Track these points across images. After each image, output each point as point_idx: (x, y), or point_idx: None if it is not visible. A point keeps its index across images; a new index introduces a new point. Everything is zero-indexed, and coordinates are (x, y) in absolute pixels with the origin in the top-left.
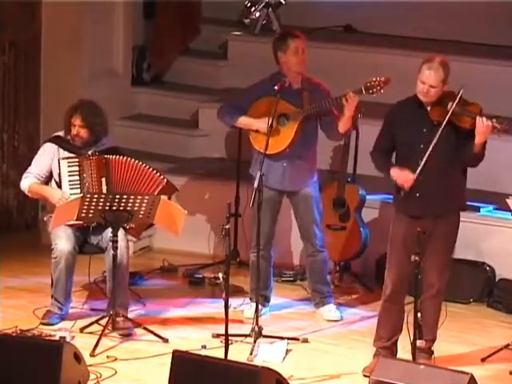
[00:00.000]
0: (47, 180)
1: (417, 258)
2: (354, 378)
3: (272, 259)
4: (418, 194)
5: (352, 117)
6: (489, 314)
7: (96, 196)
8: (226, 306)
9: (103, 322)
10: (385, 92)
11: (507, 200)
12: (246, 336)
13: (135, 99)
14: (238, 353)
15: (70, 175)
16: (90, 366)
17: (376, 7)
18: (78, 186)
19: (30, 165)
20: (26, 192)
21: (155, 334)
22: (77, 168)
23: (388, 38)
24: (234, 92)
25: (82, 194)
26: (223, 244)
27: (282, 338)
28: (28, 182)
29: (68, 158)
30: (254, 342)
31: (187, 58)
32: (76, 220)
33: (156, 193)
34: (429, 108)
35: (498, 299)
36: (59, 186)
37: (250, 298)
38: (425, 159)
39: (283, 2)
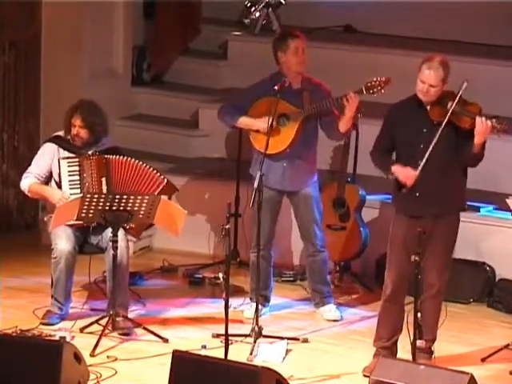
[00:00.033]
0: (47, 180)
1: (417, 258)
2: (353, 378)
3: (272, 259)
4: (417, 194)
5: (353, 117)
6: (489, 314)
7: (96, 196)
8: (226, 306)
9: (103, 322)
10: (385, 92)
11: (507, 200)
12: (246, 336)
13: (135, 99)
14: (238, 353)
15: (70, 175)
16: (90, 366)
17: (376, 7)
18: (78, 185)
19: (29, 165)
20: (26, 192)
21: (155, 334)
22: (77, 168)
23: (388, 38)
24: (234, 92)
25: (82, 194)
26: (223, 244)
27: (281, 338)
28: (28, 181)
29: (68, 157)
30: (254, 342)
31: (187, 58)
32: (76, 220)
33: (156, 193)
34: (428, 107)
35: (498, 299)
36: (59, 185)
37: (250, 298)
38: (426, 158)
39: (283, 2)
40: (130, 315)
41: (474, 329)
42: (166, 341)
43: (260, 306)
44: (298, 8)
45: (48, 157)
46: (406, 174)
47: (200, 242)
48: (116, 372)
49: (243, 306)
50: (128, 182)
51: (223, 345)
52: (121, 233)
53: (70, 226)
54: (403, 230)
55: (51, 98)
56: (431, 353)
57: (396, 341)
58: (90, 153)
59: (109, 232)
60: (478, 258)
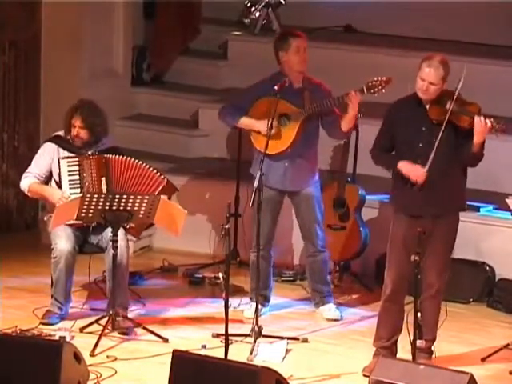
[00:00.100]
0: (47, 180)
1: (417, 258)
2: (353, 378)
3: (272, 259)
4: (417, 191)
5: (355, 115)
6: (489, 314)
7: (96, 196)
8: (226, 306)
9: (103, 321)
10: (385, 92)
11: (507, 200)
12: (245, 336)
13: (135, 99)
14: (238, 353)
15: (69, 175)
16: (89, 365)
17: (376, 7)
18: (78, 185)
19: (29, 165)
20: (26, 192)
21: (155, 334)
22: (77, 168)
23: (388, 38)
24: (234, 92)
25: (81, 194)
26: (223, 244)
27: (281, 338)
28: (28, 181)
29: (68, 157)
30: (254, 341)
31: (187, 58)
32: (76, 220)
33: (156, 193)
34: (428, 107)
35: (497, 299)
36: (59, 185)
37: (250, 298)
38: (432, 155)
39: (283, 2)
40: (130, 315)
41: (473, 329)
42: (165, 341)
43: (260, 306)
44: (297, 8)
45: (48, 156)
46: (416, 173)
47: (200, 242)
48: (116, 372)
49: (242, 306)
50: (128, 181)
51: (223, 345)
52: (121, 232)
53: (70, 225)
54: (403, 230)
55: (51, 98)
56: (431, 353)
57: (396, 341)
58: (89, 152)
59: (109, 232)
60: (477, 257)
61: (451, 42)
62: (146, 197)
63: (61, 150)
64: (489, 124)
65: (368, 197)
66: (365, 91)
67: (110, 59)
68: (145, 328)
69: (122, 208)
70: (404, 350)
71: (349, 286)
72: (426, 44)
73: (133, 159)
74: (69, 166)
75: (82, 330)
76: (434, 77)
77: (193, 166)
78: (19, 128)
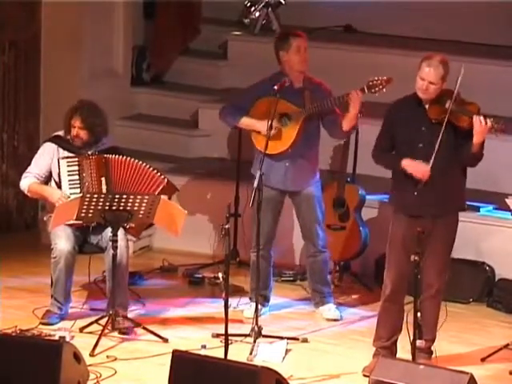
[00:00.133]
0: (47, 180)
1: (416, 258)
2: (353, 378)
3: (272, 259)
4: (415, 193)
5: (357, 114)
6: (489, 314)
7: (96, 196)
8: (226, 306)
9: (103, 321)
10: (385, 92)
11: (506, 200)
12: (245, 336)
13: (135, 99)
14: (238, 353)
15: (69, 175)
16: (89, 365)
17: (376, 7)
18: (78, 185)
19: (29, 164)
20: (26, 192)
21: (155, 334)
22: (76, 167)
23: (388, 38)
24: (234, 92)
25: (81, 194)
26: (223, 244)
27: (281, 338)
28: (27, 181)
29: (67, 157)
30: (254, 341)
31: (187, 58)
32: (76, 220)
33: (157, 193)
34: (427, 106)
35: (497, 299)
36: (59, 185)
37: (250, 298)
38: (434, 153)
39: (283, 2)
40: (130, 315)
41: (473, 329)
42: (165, 341)
43: (260, 306)
44: (297, 8)
45: (48, 156)
46: (421, 171)
47: (200, 242)
48: (116, 372)
49: (241, 306)
50: (128, 181)
51: (223, 344)
52: (120, 232)
53: (70, 225)
54: (402, 230)
55: (51, 98)
56: (431, 353)
57: (395, 341)
58: (89, 152)
59: (108, 232)
60: (477, 257)
61: (451, 42)
62: (146, 197)
63: (60, 150)
64: (489, 124)
65: (368, 197)
66: (366, 90)
67: (110, 59)
68: (145, 328)
69: (121, 208)
70: (404, 349)
71: (349, 286)
72: (426, 44)
73: (133, 159)
74: (68, 165)
75: (81, 330)
76: (434, 76)
77: (193, 166)
78: (19, 128)
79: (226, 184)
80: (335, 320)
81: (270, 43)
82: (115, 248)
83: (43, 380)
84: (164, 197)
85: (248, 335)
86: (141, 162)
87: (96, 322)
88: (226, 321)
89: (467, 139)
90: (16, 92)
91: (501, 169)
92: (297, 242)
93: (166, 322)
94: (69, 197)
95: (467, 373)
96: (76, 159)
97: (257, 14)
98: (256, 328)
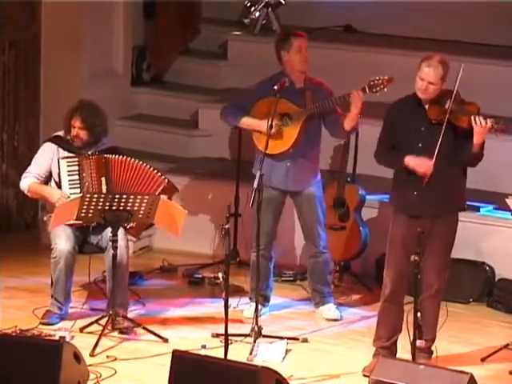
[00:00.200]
0: (47, 180)
1: (416, 258)
2: (353, 378)
3: (273, 259)
4: (415, 193)
5: (358, 114)
6: (489, 314)
7: (96, 196)
8: (226, 306)
9: (103, 321)
10: (384, 92)
11: (507, 200)
12: (245, 336)
13: (135, 99)
14: (238, 353)
15: (69, 175)
16: (89, 365)
17: (376, 7)
18: (78, 185)
19: (29, 165)
20: (26, 192)
21: (155, 334)
22: (76, 167)
23: (388, 38)
24: (234, 92)
25: (81, 194)
26: (223, 244)
27: (281, 338)
28: (27, 181)
29: (67, 157)
30: (254, 341)
31: (187, 58)
32: (76, 220)
33: (157, 193)
34: (427, 107)
35: (497, 299)
36: (59, 185)
37: (250, 298)
38: (437, 149)
39: (283, 2)
40: (130, 315)
41: (473, 329)
42: (165, 341)
43: (260, 306)
44: (297, 8)
45: (48, 157)
46: (424, 166)
47: (200, 242)
48: (116, 372)
49: (240, 306)
50: (128, 181)
51: (223, 345)
52: (121, 232)
53: (70, 225)
54: (402, 230)
55: (51, 98)
56: (431, 353)
57: (395, 341)
58: (89, 152)
59: (108, 232)
60: (477, 257)
61: (451, 42)
62: (146, 197)
63: (60, 150)
64: (488, 124)
65: (368, 197)
66: (367, 90)
67: (110, 59)
68: (145, 328)
69: (121, 208)
70: (404, 349)
71: (349, 286)
72: (426, 44)
73: (133, 159)
74: (68, 165)
75: (81, 329)
76: (434, 76)
77: (193, 166)
78: (19, 128)
79: (226, 184)
80: (335, 320)
81: (270, 43)
82: (115, 248)
83: (43, 380)
84: (164, 197)
85: (248, 335)
86: (141, 162)
87: (96, 322)
88: (226, 321)
89: (467, 139)
90: (16, 92)
91: (501, 169)
92: (297, 242)
93: (166, 321)
94: (69, 197)
95: (467, 373)
96: (76, 159)
97: (257, 14)
98: (256, 328)
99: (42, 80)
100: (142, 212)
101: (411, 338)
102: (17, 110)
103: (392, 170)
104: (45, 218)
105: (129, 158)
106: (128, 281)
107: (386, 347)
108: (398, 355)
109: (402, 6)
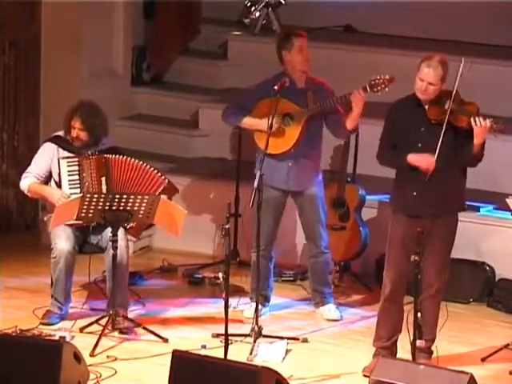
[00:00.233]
0: (47, 180)
1: (416, 258)
2: (353, 378)
3: (273, 259)
4: (415, 193)
5: (360, 113)
6: (489, 314)
7: (96, 196)
8: (226, 306)
9: (103, 321)
10: (385, 92)
11: (507, 200)
12: (245, 336)
13: (135, 99)
14: (238, 353)
15: (69, 175)
16: (89, 365)
17: (376, 7)
18: (78, 185)
19: (29, 165)
20: (26, 192)
21: (155, 334)
22: (76, 167)
23: (388, 38)
24: (234, 92)
25: (81, 194)
26: (223, 244)
27: (281, 338)
28: (27, 181)
29: (67, 157)
30: (254, 341)
31: (187, 58)
32: (76, 220)
33: (157, 193)
34: (426, 107)
35: (497, 299)
36: (59, 185)
37: (250, 298)
38: (438, 149)
39: (283, 2)
40: (130, 315)
41: (473, 329)
42: (165, 341)
43: (260, 306)
44: (297, 8)
45: (48, 157)
46: (427, 162)
47: (200, 242)
48: (116, 372)
49: (240, 306)
50: (128, 181)
51: (223, 345)
52: (121, 232)
53: (70, 225)
54: (402, 230)
55: (51, 98)
56: (431, 353)
57: (396, 341)
58: (89, 152)
59: (108, 232)
60: (477, 257)
61: (451, 42)
62: (146, 197)
63: (60, 150)
64: (488, 124)
65: (368, 197)
66: (368, 89)
67: (110, 59)
68: (145, 328)
69: (121, 208)
70: (404, 349)
71: (349, 286)
72: (426, 44)
73: (133, 159)
74: (68, 165)
75: (81, 329)
76: (433, 77)
77: (193, 166)
78: (19, 128)
79: (226, 184)
80: (335, 320)
81: (271, 43)
82: (115, 248)
83: (43, 380)
84: (164, 197)
85: (248, 335)
86: (141, 162)
87: (96, 322)
88: (226, 321)
89: (467, 139)
90: (16, 92)
91: (501, 169)
92: (298, 242)
93: (166, 321)
94: (69, 197)
95: (467, 373)
96: (76, 159)
97: (257, 13)
98: (256, 328)
99: (42, 80)
100: (142, 212)
101: (411, 338)
102: (17, 110)
103: (393, 170)
104: (45, 218)
105: (129, 158)
106: (128, 281)
107: (386, 347)
108: (398, 355)
109: (401, 6)
